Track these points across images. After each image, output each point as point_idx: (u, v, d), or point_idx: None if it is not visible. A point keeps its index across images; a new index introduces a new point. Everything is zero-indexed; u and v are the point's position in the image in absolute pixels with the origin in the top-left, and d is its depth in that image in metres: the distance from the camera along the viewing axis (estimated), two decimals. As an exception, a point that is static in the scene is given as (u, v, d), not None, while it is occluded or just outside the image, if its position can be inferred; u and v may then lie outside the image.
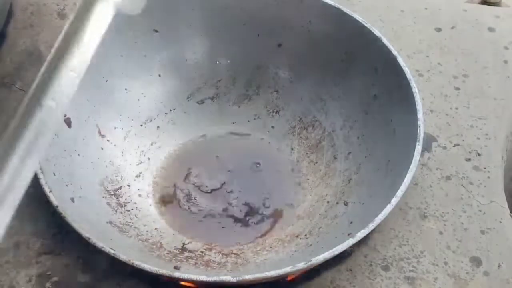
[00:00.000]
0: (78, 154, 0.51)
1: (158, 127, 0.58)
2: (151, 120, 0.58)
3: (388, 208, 0.42)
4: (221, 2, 0.57)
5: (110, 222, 0.48)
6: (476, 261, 0.47)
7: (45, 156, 0.45)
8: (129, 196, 0.53)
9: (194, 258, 0.49)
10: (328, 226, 0.49)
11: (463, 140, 0.55)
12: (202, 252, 0.49)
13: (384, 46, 0.52)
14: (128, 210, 0.51)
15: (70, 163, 0.49)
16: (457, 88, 0.59)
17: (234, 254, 0.49)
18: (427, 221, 0.49)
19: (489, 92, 0.59)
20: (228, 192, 0.54)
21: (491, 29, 0.64)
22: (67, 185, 0.47)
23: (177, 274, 0.41)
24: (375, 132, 0.52)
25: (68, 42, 0.27)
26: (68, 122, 0.50)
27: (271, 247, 0.50)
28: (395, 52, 0.51)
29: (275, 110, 0.59)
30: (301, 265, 0.40)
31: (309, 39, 0.57)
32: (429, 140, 0.55)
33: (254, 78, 0.60)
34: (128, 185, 0.53)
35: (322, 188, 0.54)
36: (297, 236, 0.50)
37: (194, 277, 0.40)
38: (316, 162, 0.56)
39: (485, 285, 0.46)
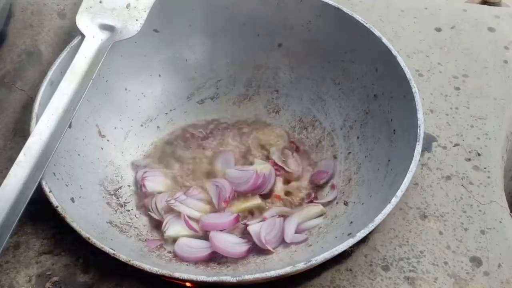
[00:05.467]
0: (78, 154, 0.51)
1: (158, 127, 0.58)
2: (151, 120, 0.58)
3: (388, 208, 0.42)
4: (221, 2, 0.57)
5: (110, 222, 0.48)
6: (476, 261, 0.47)
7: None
8: (129, 196, 0.53)
9: (194, 258, 0.49)
10: (328, 226, 0.49)
11: (463, 140, 0.55)
12: (202, 252, 0.49)
13: (384, 46, 0.52)
14: (128, 210, 0.51)
15: (70, 163, 0.49)
16: (457, 88, 0.59)
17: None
18: (427, 221, 0.49)
19: (489, 92, 0.59)
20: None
21: (491, 29, 0.64)
22: (67, 185, 0.47)
23: (177, 274, 0.41)
24: (375, 132, 0.52)
25: None
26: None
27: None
28: (395, 52, 0.51)
29: (275, 110, 0.59)
30: (301, 265, 0.40)
31: (309, 39, 0.57)
32: (429, 140, 0.54)
33: (254, 78, 0.60)
34: (128, 185, 0.53)
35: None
36: (297, 236, 0.50)
37: (194, 277, 0.40)
38: (317, 162, 0.56)
39: (485, 285, 0.46)
